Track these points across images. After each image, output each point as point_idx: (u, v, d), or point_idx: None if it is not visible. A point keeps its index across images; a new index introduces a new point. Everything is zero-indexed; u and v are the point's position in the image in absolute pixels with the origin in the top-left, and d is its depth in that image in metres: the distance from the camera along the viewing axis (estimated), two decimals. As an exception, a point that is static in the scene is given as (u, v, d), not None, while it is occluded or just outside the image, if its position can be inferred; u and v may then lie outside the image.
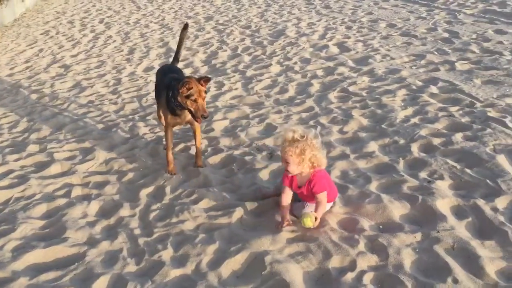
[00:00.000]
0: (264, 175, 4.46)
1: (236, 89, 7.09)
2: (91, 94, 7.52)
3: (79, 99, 7.34)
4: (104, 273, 3.30)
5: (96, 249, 3.61)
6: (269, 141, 5.18)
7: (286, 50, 8.74)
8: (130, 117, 6.44)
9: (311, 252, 3.29)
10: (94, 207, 4.25)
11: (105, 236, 3.82)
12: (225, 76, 7.74)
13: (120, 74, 8.45)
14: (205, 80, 4.39)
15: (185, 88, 4.24)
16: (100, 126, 6.21)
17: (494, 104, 5.35)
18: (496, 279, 2.88)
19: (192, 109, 4.31)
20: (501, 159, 4.18)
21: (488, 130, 4.73)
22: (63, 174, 4.95)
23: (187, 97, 4.25)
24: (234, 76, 7.68)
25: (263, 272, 3.14)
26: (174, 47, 9.80)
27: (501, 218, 3.40)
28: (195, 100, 4.26)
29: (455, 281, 2.87)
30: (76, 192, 4.53)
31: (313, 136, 3.55)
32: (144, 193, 4.42)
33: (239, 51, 9.08)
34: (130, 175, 4.81)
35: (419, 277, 2.96)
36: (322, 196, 3.56)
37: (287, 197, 3.68)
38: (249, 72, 7.75)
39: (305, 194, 3.66)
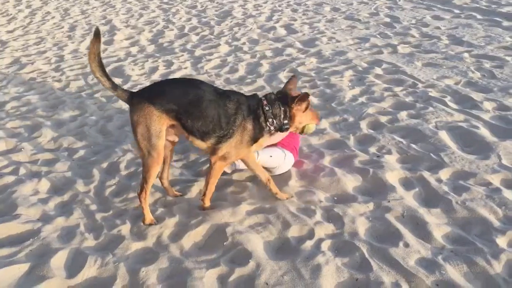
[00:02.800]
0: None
1: (185, 68, 7.03)
2: (32, 71, 7.20)
3: (20, 76, 7.00)
4: (62, 248, 3.24)
5: (51, 225, 3.52)
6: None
7: (234, 30, 8.74)
8: (77, 94, 6.24)
9: (270, 223, 3.39)
10: (45, 184, 4.13)
11: (60, 212, 3.73)
12: (173, 55, 7.64)
13: (62, 51, 8.12)
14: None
15: (304, 102, 3.42)
16: (45, 103, 5.98)
17: (435, 85, 5.66)
18: (442, 242, 3.10)
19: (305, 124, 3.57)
20: (443, 135, 4.45)
21: (430, 108, 5.01)
22: (8, 152, 4.75)
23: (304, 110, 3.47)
24: (182, 55, 7.60)
25: (225, 243, 3.21)
26: (118, 25, 9.57)
27: (445, 188, 3.65)
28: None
29: (406, 245, 3.07)
30: (25, 169, 4.37)
31: None
32: (97, 170, 4.34)
33: (186, 31, 8.97)
34: (81, 152, 4.69)
35: (373, 242, 3.14)
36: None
37: None
38: (198, 52, 7.70)
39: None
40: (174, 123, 3.28)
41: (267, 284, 2.81)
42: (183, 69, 6.96)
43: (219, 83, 6.34)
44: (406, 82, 5.86)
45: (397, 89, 5.65)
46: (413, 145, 4.35)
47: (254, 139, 3.40)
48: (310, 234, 3.25)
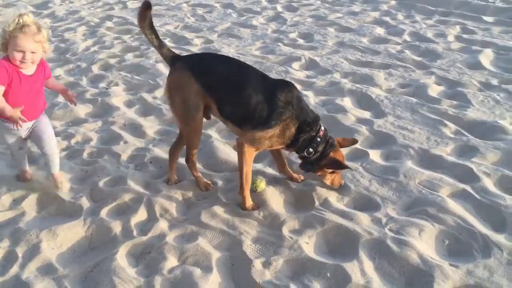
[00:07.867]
0: None
1: None
2: None
3: None
4: None
5: None
6: None
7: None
8: None
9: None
10: None
11: None
12: None
13: None
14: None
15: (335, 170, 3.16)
16: None
17: (158, 30, 6.59)
18: (153, 136, 4.06)
19: (328, 182, 3.19)
20: (160, 66, 5.44)
21: (152, 48, 5.96)
22: None
23: (332, 172, 3.15)
24: None
25: None
26: None
27: (157, 102, 4.63)
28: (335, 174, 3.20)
29: (126, 142, 3.92)
30: None
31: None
32: None
33: None
34: None
35: (99, 146, 3.91)
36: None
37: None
38: None
39: (39, 83, 3.16)
40: None
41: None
42: None
43: None
44: (134, 31, 6.73)
45: (126, 37, 6.48)
46: (136, 77, 5.25)
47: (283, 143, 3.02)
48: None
